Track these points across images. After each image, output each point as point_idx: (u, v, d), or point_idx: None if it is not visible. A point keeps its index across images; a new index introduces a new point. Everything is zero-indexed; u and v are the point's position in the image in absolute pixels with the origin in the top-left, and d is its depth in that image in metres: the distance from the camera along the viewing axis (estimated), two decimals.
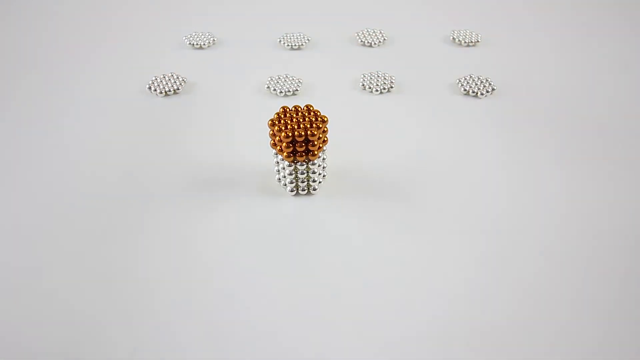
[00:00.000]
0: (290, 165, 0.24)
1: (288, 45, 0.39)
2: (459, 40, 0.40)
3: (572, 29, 0.42)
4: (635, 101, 0.33)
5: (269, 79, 0.34)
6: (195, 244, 0.23)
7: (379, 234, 0.24)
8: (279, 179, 0.26)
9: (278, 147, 0.24)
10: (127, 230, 0.24)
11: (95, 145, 0.29)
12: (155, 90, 0.34)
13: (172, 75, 0.35)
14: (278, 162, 0.25)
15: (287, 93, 0.33)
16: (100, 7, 0.46)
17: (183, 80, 0.34)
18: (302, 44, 0.39)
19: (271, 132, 0.24)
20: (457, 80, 0.34)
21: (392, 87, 0.34)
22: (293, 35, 0.40)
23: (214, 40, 0.40)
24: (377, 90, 0.33)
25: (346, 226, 0.24)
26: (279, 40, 0.40)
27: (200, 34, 0.40)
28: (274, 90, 0.33)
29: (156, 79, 0.34)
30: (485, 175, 0.27)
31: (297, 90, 0.33)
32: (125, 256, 0.23)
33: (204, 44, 0.39)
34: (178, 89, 0.34)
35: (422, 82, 0.35)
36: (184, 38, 0.40)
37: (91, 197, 0.26)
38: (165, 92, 0.33)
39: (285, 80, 0.34)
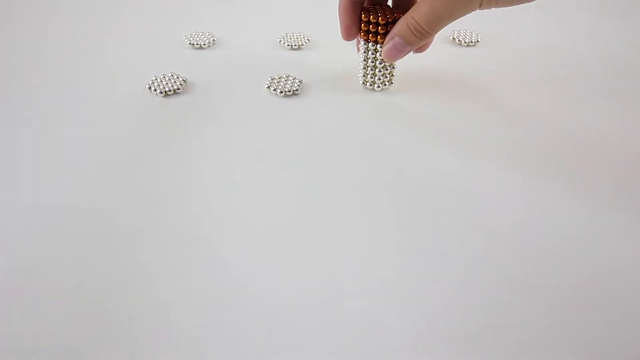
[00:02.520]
0: (364, 44, 0.31)
1: (288, 45, 0.39)
2: (459, 40, 0.40)
3: (573, 28, 0.42)
4: None
5: (269, 79, 0.34)
6: (195, 243, 0.23)
7: (376, 229, 0.24)
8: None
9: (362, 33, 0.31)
10: (126, 231, 0.24)
11: (95, 145, 0.29)
12: (155, 90, 0.34)
13: (172, 75, 0.35)
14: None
15: (287, 93, 0.33)
16: (101, 7, 0.46)
17: (183, 80, 0.34)
18: (302, 44, 0.39)
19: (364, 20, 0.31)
20: (459, 79, 0.34)
21: (392, 83, 0.34)
22: (293, 35, 0.40)
23: (214, 40, 0.40)
24: (378, 87, 0.33)
25: (345, 225, 0.24)
26: (279, 40, 0.40)
27: (200, 34, 0.40)
28: (274, 90, 0.33)
29: (156, 79, 0.34)
30: (486, 175, 0.27)
31: (297, 90, 0.33)
32: (124, 256, 0.23)
33: (204, 44, 0.39)
34: (178, 89, 0.34)
35: (422, 81, 0.35)
36: (184, 38, 0.40)
37: (90, 197, 0.26)
38: (165, 92, 0.33)
39: (286, 80, 0.34)
